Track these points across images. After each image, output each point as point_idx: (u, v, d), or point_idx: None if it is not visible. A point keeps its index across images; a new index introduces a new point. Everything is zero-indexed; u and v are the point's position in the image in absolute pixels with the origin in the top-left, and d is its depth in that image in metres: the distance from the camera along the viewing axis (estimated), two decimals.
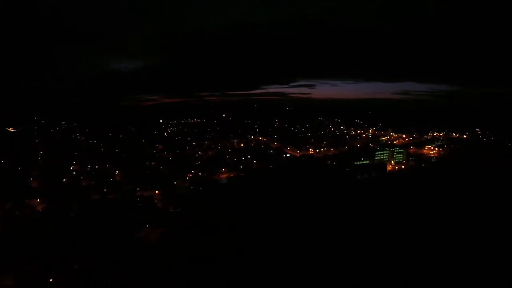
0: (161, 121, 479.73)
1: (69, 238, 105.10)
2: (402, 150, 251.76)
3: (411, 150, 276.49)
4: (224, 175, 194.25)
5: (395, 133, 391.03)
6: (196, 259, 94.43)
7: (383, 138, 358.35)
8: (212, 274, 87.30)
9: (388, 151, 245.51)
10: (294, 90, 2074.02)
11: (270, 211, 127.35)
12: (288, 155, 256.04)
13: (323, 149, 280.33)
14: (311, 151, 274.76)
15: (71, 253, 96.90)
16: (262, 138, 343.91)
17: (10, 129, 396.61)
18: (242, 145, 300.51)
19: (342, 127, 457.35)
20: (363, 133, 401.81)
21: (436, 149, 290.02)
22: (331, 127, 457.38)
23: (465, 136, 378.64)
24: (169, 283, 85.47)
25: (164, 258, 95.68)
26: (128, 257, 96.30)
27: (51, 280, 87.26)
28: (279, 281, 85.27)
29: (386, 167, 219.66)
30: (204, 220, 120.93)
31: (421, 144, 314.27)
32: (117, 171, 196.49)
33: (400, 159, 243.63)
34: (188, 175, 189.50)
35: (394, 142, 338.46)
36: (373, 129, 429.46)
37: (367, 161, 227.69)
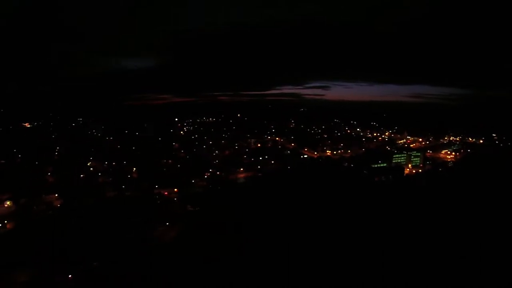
0: (176, 119, 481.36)
1: (85, 235, 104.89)
2: (419, 154, 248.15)
3: (427, 154, 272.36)
4: (242, 175, 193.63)
5: (411, 136, 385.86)
6: (212, 259, 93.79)
7: (399, 141, 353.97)
8: (226, 274, 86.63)
9: (405, 155, 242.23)
10: (308, 91, 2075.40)
11: (287, 212, 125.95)
12: (305, 156, 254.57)
13: (340, 150, 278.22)
14: (328, 152, 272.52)
15: (86, 250, 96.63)
16: (278, 139, 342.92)
17: (26, 124, 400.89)
18: (258, 145, 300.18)
19: (358, 129, 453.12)
20: (379, 136, 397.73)
21: (453, 153, 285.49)
22: (347, 129, 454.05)
23: (481, 141, 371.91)
24: (182, 282, 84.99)
25: (180, 257, 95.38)
26: (143, 255, 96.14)
27: (70, 276, 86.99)
28: (292, 282, 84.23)
29: (403, 170, 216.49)
30: (221, 220, 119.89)
31: (437, 148, 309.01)
32: (134, 169, 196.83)
33: (417, 162, 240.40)
34: (206, 174, 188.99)
35: (411, 145, 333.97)
36: (389, 131, 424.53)
37: (385, 164, 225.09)
